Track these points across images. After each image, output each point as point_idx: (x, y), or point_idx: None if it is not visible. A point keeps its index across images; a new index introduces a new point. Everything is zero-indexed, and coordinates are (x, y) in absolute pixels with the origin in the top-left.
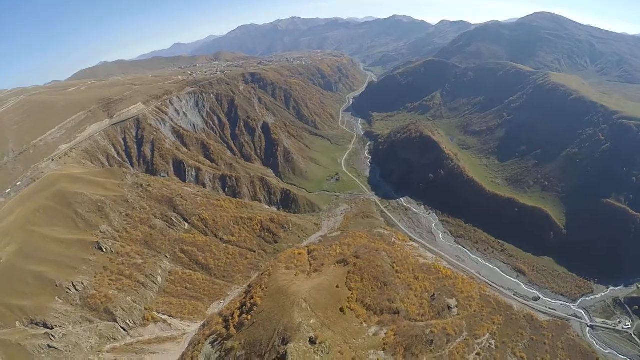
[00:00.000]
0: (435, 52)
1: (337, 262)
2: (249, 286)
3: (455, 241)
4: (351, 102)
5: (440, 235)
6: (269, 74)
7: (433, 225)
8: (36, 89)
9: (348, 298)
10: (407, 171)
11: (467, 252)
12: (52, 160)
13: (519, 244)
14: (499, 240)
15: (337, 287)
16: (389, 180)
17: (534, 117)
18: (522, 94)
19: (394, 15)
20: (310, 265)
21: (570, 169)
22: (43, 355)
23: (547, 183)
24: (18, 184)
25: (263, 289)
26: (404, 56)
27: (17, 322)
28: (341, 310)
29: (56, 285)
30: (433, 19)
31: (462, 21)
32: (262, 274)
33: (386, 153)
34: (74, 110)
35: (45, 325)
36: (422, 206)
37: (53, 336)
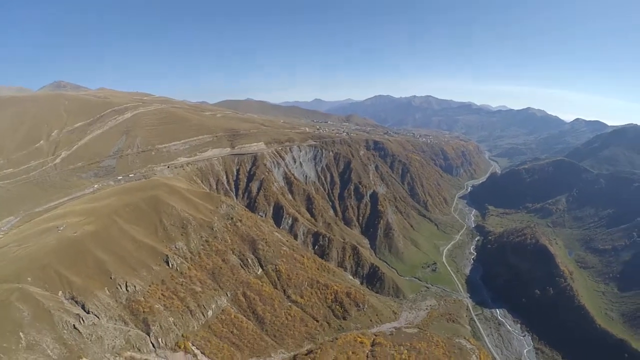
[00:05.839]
0: (566, 152)
1: None
2: (294, 358)
3: None
4: (469, 190)
5: None
6: (391, 145)
7: (525, 351)
8: (180, 103)
9: None
10: (512, 279)
11: None
12: (168, 167)
13: None
14: None
15: None
16: (489, 285)
17: None
18: None
19: (527, 108)
20: None
21: None
22: (64, 332)
23: None
24: (130, 175)
25: None
26: (532, 151)
27: (60, 292)
28: None
29: (110, 278)
30: (568, 116)
31: (597, 121)
32: (307, 354)
33: (494, 254)
34: (202, 132)
35: (82, 307)
36: (519, 325)
37: (83, 320)
